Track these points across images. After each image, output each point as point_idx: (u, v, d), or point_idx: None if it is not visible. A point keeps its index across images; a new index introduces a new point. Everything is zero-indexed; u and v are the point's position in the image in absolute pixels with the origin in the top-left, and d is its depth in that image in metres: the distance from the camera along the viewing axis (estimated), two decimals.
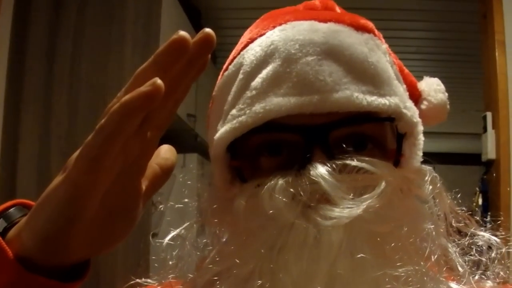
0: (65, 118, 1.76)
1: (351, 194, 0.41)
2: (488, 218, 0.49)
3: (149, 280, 0.49)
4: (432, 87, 0.54)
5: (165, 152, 0.41)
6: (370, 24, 0.52)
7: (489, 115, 1.81)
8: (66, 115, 1.76)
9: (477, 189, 1.93)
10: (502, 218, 0.49)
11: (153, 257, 0.51)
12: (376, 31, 0.52)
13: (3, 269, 0.34)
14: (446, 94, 0.54)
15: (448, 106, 0.55)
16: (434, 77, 0.57)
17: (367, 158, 0.44)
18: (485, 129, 1.80)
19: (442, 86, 0.55)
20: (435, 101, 0.53)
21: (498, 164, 1.73)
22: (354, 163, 0.43)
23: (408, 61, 3.06)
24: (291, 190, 0.42)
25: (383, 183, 0.42)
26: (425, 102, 0.53)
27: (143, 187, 0.38)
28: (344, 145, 0.44)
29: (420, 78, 0.57)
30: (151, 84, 0.30)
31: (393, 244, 0.41)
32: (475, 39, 2.12)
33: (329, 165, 0.42)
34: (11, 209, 0.39)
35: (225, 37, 3.13)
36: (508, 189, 1.67)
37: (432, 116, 0.53)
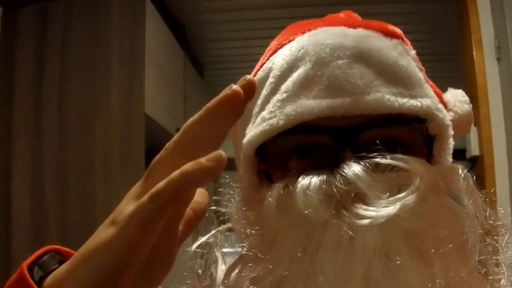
0: (56, 138, 1.78)
1: (387, 193, 0.40)
2: None
3: None
4: (457, 98, 0.54)
5: (198, 195, 0.40)
6: (399, 31, 0.52)
7: None
8: (56, 135, 1.78)
9: None
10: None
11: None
12: (405, 38, 0.52)
13: None
14: (471, 105, 0.54)
15: (472, 117, 0.54)
16: None
17: (399, 156, 0.43)
18: None
19: (466, 98, 0.54)
20: (461, 112, 0.53)
21: (482, 160, 1.75)
22: (387, 161, 0.42)
23: None
24: (326, 188, 0.41)
25: (418, 180, 0.41)
26: (450, 113, 0.52)
27: (179, 232, 0.38)
28: (375, 147, 0.43)
29: None
30: (215, 160, 0.30)
31: (431, 246, 0.40)
32: (453, 37, 2.17)
33: (363, 164, 0.42)
34: (45, 257, 0.38)
35: (211, 50, 3.17)
36: (493, 187, 1.68)
37: (458, 127, 0.52)
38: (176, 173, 0.31)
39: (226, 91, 0.33)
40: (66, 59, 1.82)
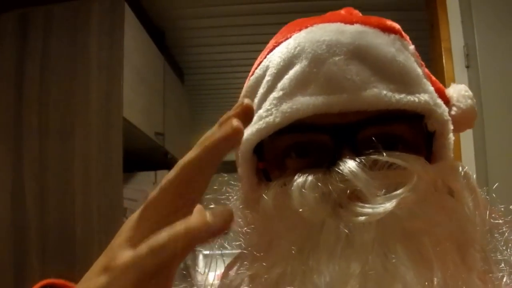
0: (36, 143, 1.80)
1: (383, 191, 0.40)
2: None
3: None
4: (461, 93, 0.53)
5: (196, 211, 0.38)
6: (397, 26, 0.51)
7: None
8: (36, 140, 1.80)
9: None
10: None
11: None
12: (403, 33, 0.51)
13: None
14: (474, 100, 0.53)
15: (476, 112, 0.53)
16: None
17: (397, 153, 0.42)
18: None
19: (470, 92, 0.53)
20: (464, 107, 0.52)
21: None
22: (385, 158, 0.41)
23: None
24: (321, 186, 0.41)
25: (416, 178, 0.40)
26: (454, 108, 0.52)
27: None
28: (373, 144, 0.43)
29: None
30: (222, 217, 0.29)
31: (429, 245, 0.39)
32: (426, 45, 2.24)
33: (359, 161, 0.41)
34: None
35: (191, 55, 3.20)
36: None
37: (462, 122, 0.51)
38: (180, 230, 0.29)
39: (226, 129, 0.30)
40: (46, 64, 1.84)
